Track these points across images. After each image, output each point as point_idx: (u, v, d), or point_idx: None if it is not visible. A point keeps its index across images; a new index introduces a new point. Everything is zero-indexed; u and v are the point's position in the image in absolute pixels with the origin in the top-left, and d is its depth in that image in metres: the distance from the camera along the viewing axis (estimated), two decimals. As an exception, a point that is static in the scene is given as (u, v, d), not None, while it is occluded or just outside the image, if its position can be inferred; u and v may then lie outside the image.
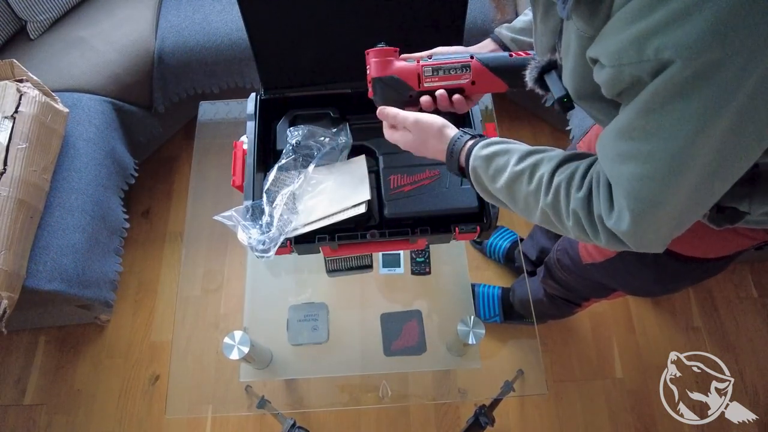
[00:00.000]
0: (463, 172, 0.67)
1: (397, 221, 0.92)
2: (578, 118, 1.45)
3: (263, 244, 0.83)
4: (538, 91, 0.66)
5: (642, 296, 1.18)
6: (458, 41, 0.95)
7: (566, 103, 0.61)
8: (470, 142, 0.65)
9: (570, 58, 0.54)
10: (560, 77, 0.61)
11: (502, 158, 0.61)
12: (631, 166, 0.47)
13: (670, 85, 0.40)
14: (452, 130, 0.68)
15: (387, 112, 0.73)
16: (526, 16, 0.82)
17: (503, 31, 0.82)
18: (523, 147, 0.62)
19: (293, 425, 1.07)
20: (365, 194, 0.90)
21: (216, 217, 0.85)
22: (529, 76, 0.65)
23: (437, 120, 0.69)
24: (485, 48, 0.83)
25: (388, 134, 0.76)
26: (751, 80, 0.37)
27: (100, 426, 1.47)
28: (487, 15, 1.55)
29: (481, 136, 0.67)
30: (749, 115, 0.40)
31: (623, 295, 1.02)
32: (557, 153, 0.60)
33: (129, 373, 1.53)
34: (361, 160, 0.98)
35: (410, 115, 0.71)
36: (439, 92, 0.73)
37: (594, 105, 0.56)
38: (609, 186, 0.52)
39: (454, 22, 0.93)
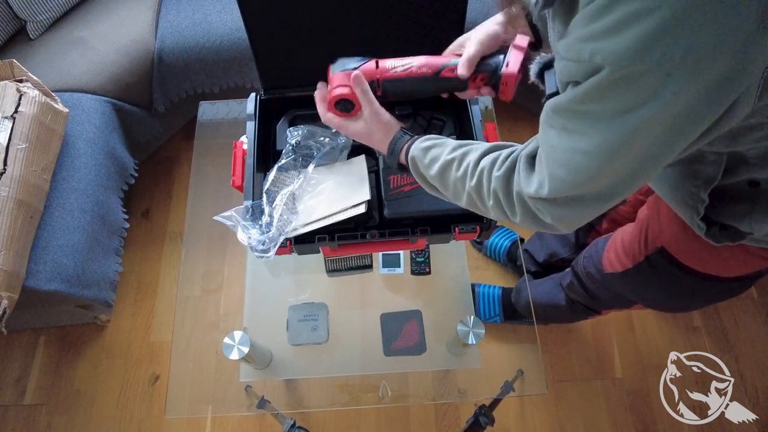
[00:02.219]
0: (401, 166, 0.72)
1: (397, 221, 0.92)
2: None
3: (263, 244, 0.83)
4: (540, 85, 0.66)
5: (659, 310, 1.18)
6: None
7: None
8: (411, 138, 0.72)
9: (557, 57, 0.56)
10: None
11: (438, 149, 0.67)
12: (570, 138, 0.50)
13: (601, 85, 0.44)
14: (397, 128, 0.73)
15: (362, 82, 0.73)
16: None
17: None
18: (458, 141, 0.67)
19: (293, 425, 1.07)
20: (365, 194, 0.90)
21: (216, 218, 0.85)
22: (533, 70, 0.66)
23: (390, 117, 0.74)
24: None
25: (328, 116, 0.78)
26: (667, 91, 0.41)
27: (100, 426, 1.47)
28: (488, 15, 1.55)
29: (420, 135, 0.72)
30: (663, 121, 0.44)
31: (643, 307, 1.02)
32: (486, 144, 0.65)
33: (129, 373, 1.53)
34: (361, 160, 0.98)
35: (372, 103, 0.73)
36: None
37: None
38: (531, 159, 0.57)
39: (455, 21, 0.93)
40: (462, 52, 0.74)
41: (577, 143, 0.50)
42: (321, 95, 0.79)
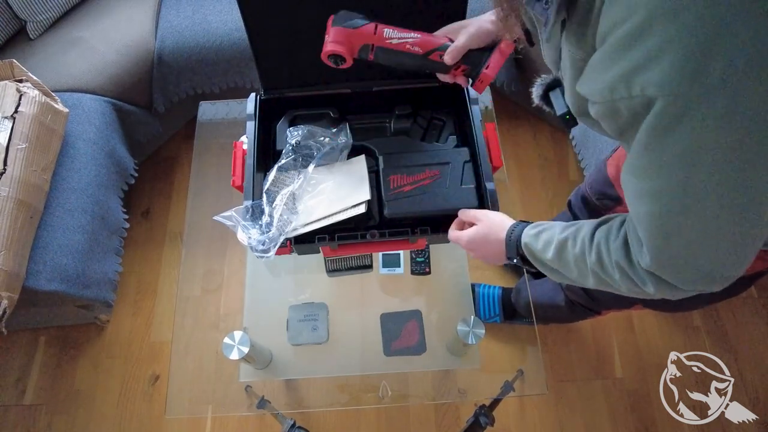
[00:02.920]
0: (524, 259, 0.71)
1: (397, 221, 0.92)
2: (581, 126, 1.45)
3: (263, 244, 0.83)
4: (544, 107, 0.68)
5: (658, 310, 1.19)
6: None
7: (568, 120, 0.63)
8: (520, 226, 0.72)
9: (567, 78, 0.55)
10: (563, 94, 0.62)
11: (548, 232, 0.66)
12: (645, 204, 0.47)
13: (658, 121, 0.40)
14: (510, 223, 0.74)
15: (468, 212, 0.81)
16: None
17: None
18: (565, 222, 0.66)
19: (293, 425, 1.07)
20: (365, 194, 0.90)
21: (216, 218, 0.85)
22: (536, 93, 0.68)
23: (502, 215, 0.78)
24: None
25: (454, 236, 0.81)
26: (740, 110, 0.36)
27: (100, 426, 1.47)
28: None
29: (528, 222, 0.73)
30: (748, 146, 0.38)
31: (643, 308, 1.02)
32: (595, 219, 0.62)
33: (129, 373, 1.53)
34: (361, 160, 0.98)
35: (481, 220, 0.78)
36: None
37: (594, 122, 0.57)
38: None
39: (454, 21, 0.92)
40: (454, 38, 0.75)
41: (652, 205, 0.46)
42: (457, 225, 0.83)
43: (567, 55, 0.53)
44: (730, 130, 0.37)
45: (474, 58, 0.76)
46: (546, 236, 0.66)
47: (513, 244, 0.70)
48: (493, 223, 0.76)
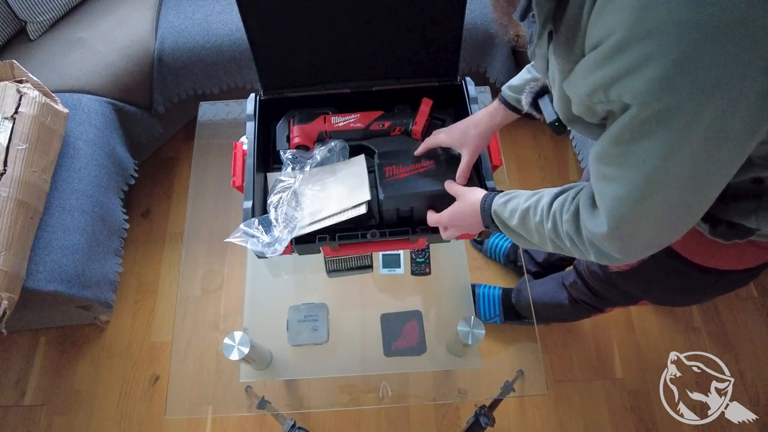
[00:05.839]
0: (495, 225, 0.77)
1: (397, 221, 0.92)
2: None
3: (270, 245, 0.83)
4: (534, 114, 0.73)
5: (666, 306, 1.19)
6: (456, 41, 0.96)
7: (558, 127, 0.68)
8: (491, 195, 0.77)
9: (556, 87, 0.60)
10: (552, 101, 0.66)
11: (514, 201, 0.71)
12: (610, 187, 0.53)
13: (632, 124, 0.46)
14: (481, 195, 0.80)
15: (452, 185, 0.87)
16: (525, 74, 0.84)
17: (507, 92, 0.86)
18: (531, 191, 0.71)
19: (293, 426, 1.07)
20: (365, 195, 0.90)
21: (228, 240, 0.85)
22: (525, 100, 0.73)
23: (479, 190, 0.84)
24: (496, 114, 0.87)
25: (435, 217, 0.86)
26: (701, 126, 0.42)
27: (100, 426, 1.47)
28: (487, 15, 1.55)
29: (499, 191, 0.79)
30: (707, 156, 0.45)
31: (648, 304, 1.02)
32: (555, 189, 0.67)
33: (129, 373, 1.53)
34: (360, 160, 0.98)
35: (461, 188, 0.85)
36: None
37: (583, 128, 0.61)
38: (592, 199, 0.58)
39: (453, 21, 0.93)
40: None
41: (617, 189, 0.51)
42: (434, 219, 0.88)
43: (555, 66, 0.57)
44: (690, 137, 0.43)
45: (403, 121, 1.01)
46: (512, 204, 0.71)
47: (487, 212, 0.76)
48: (471, 196, 0.81)
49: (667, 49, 0.39)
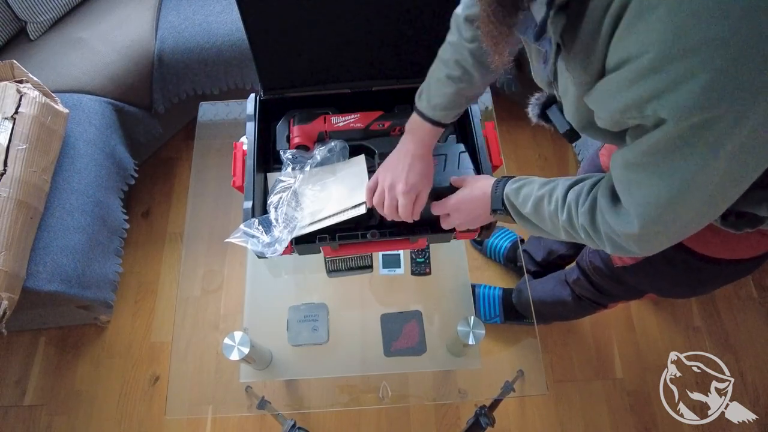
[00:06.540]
0: (505, 208, 0.77)
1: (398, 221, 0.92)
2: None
3: (270, 245, 0.83)
4: (544, 125, 0.72)
5: (673, 297, 1.19)
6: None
7: (571, 135, 0.67)
8: (503, 180, 0.77)
9: (569, 99, 0.59)
10: (561, 111, 0.66)
11: (528, 188, 0.71)
12: (641, 192, 0.53)
13: (668, 137, 0.46)
14: (492, 181, 0.80)
15: (458, 178, 0.87)
16: (444, 89, 0.80)
17: (438, 112, 0.82)
18: (544, 179, 0.71)
19: (293, 426, 1.07)
20: (365, 195, 0.90)
21: (228, 240, 0.85)
22: (532, 113, 0.72)
23: (486, 176, 0.85)
24: (431, 139, 0.84)
25: (439, 205, 0.85)
26: (740, 135, 0.43)
27: (100, 426, 1.47)
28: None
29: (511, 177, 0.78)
30: (739, 162, 0.46)
31: (655, 297, 1.02)
32: (570, 178, 0.67)
33: (129, 373, 1.53)
34: (360, 161, 0.98)
35: (466, 177, 0.86)
36: None
37: (597, 134, 0.61)
38: (611, 195, 0.59)
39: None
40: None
41: (647, 195, 0.52)
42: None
43: (568, 79, 0.57)
44: (728, 146, 0.44)
45: (404, 120, 0.93)
46: (525, 191, 0.71)
47: (499, 195, 0.76)
48: (480, 181, 0.81)
49: (710, 61, 0.40)
